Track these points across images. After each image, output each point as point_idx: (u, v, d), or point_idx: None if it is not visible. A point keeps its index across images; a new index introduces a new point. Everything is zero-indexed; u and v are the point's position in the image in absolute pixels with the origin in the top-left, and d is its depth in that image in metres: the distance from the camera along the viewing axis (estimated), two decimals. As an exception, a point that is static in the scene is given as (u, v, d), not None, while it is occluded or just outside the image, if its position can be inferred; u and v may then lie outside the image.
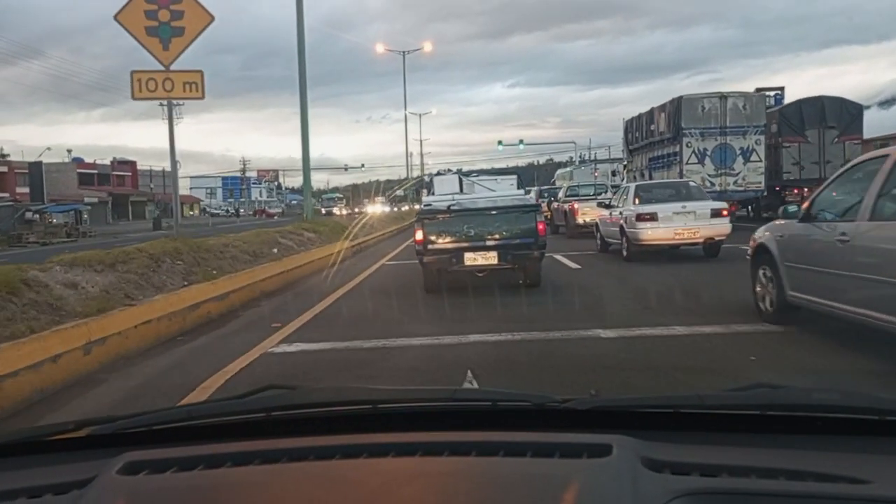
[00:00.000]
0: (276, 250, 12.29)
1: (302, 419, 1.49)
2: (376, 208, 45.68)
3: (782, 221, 6.76)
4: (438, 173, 14.02)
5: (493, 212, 9.81)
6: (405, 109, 55.92)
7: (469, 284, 9.89)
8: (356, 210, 55.37)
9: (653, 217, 13.03)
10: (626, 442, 1.26)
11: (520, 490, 1.15)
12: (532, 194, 11.78)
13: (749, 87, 24.37)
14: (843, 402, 1.46)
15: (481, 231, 9.61)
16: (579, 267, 12.66)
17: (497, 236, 9.59)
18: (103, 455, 1.36)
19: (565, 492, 1.10)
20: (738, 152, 23.67)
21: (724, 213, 13.41)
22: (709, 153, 23.61)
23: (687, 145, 23.61)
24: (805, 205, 6.33)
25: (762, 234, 7.06)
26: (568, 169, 48.36)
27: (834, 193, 6.20)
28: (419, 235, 9.83)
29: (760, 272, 6.89)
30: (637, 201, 13.78)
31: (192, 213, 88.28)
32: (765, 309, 6.79)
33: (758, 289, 6.96)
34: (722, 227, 13.21)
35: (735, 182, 23.71)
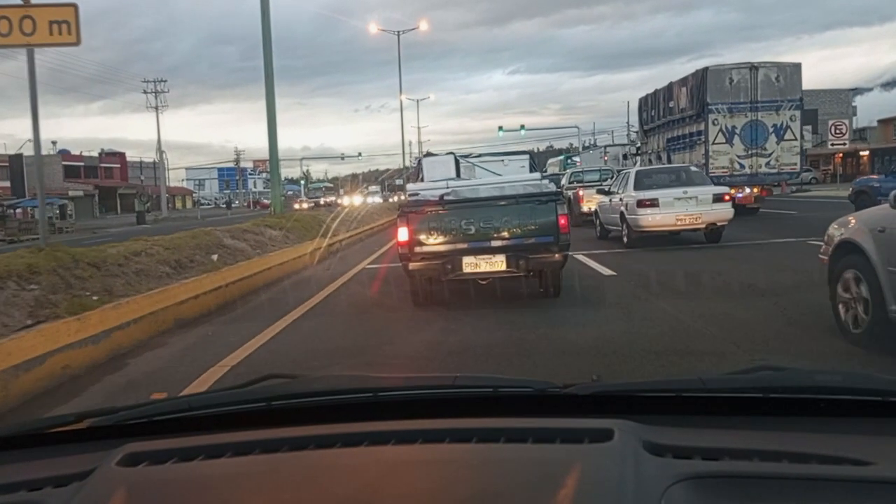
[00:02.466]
0: (215, 257, 9.48)
1: (302, 408, 1.46)
2: (366, 199, 42.56)
3: (880, 210, 5.31)
4: (429, 154, 11.06)
5: (501, 202, 7.55)
6: (400, 93, 53.40)
7: (471, 311, 7.15)
8: (337, 201, 51.19)
9: (654, 203, 12.81)
10: (628, 426, 1.24)
11: (521, 476, 1.13)
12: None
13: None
14: (845, 384, 1.44)
15: (485, 228, 7.41)
16: (614, 273, 9.80)
17: (505, 234, 7.44)
18: (104, 447, 1.34)
19: (567, 477, 1.09)
20: (771, 130, 20.89)
21: (726, 197, 13.21)
22: (738, 131, 20.82)
23: (713, 123, 20.80)
24: None
25: (844, 228, 5.59)
26: (560, 157, 45.74)
27: None
28: (403, 235, 7.50)
29: (846, 278, 5.44)
30: (638, 187, 13.51)
31: (183, 204, 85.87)
32: (851, 328, 5.35)
33: (841, 302, 5.50)
34: (724, 212, 12.99)
35: (767, 163, 20.93)
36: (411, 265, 7.46)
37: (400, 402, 1.47)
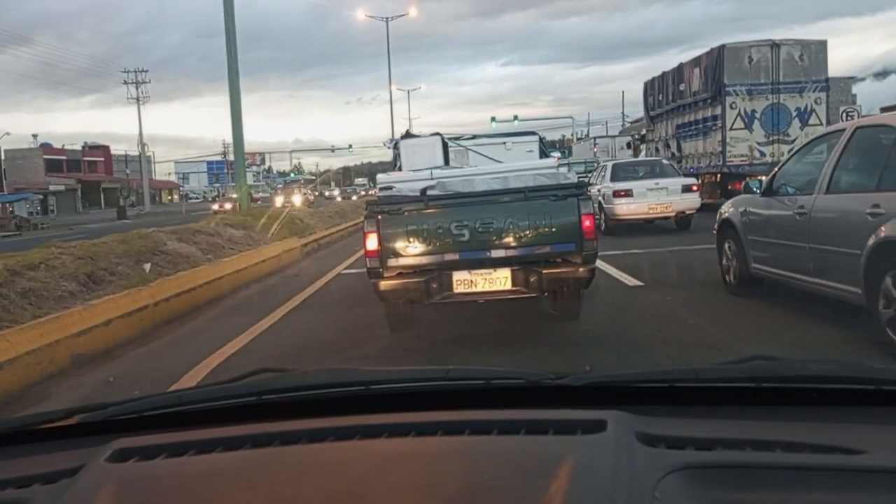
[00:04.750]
0: (147, 266, 7.57)
1: (294, 402, 1.43)
2: (309, 198, 39.03)
3: (746, 196, 6.99)
4: (408, 135, 8.89)
5: (504, 198, 5.60)
6: (390, 82, 51.63)
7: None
8: (310, 197, 47.13)
9: (628, 193, 13.90)
10: (621, 417, 1.22)
11: (514, 468, 1.11)
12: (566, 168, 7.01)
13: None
14: (838, 373, 1.43)
15: (482, 233, 5.53)
16: (640, 283, 7.93)
17: (511, 241, 5.53)
18: (93, 443, 1.32)
19: (559, 468, 1.06)
20: (794, 114, 19.00)
21: (694, 188, 14.51)
22: (758, 116, 18.91)
23: (731, 106, 18.87)
24: (766, 179, 6.56)
25: (727, 208, 7.22)
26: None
27: (795, 167, 6.36)
28: (371, 243, 5.56)
29: (726, 246, 7.08)
30: (614, 179, 14.65)
31: (170, 198, 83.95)
32: (729, 281, 6.98)
33: (724, 262, 7.15)
34: (692, 201, 14.21)
35: (790, 151, 19.05)
36: (383, 284, 5.58)
37: (392, 395, 1.44)
